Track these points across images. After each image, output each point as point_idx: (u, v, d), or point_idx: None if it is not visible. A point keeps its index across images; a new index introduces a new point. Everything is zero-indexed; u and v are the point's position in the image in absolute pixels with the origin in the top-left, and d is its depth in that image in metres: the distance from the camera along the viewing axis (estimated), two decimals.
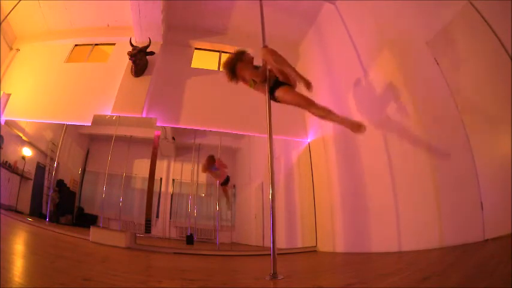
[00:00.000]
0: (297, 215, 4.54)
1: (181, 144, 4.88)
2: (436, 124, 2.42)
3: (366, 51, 3.45)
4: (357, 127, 2.07)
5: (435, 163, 2.37)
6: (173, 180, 4.67)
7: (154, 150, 4.39)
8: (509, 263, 1.35)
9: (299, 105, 2.29)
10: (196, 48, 5.36)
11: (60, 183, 4.20)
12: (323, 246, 3.98)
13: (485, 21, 1.98)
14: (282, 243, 4.17)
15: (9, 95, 4.59)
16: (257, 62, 2.51)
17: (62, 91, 4.65)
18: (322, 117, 2.23)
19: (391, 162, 2.87)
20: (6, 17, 4.32)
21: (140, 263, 2.47)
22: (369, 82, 3.32)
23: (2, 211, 3.63)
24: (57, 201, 4.10)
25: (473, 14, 2.05)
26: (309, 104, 2.22)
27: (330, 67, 4.31)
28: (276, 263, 1.70)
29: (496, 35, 1.90)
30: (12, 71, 4.86)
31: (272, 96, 2.30)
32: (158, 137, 4.51)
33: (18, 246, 2.15)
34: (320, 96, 4.54)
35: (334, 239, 3.74)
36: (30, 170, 4.19)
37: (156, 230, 4.33)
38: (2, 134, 4.19)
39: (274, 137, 2.13)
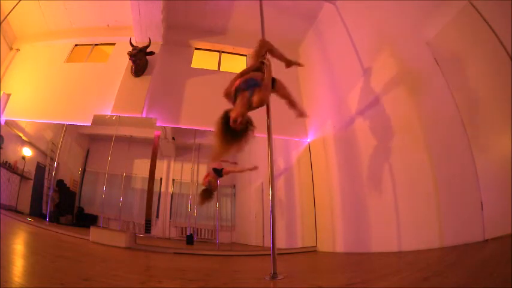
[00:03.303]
0: (297, 215, 4.54)
1: (181, 144, 4.88)
2: (436, 124, 2.42)
3: (366, 51, 3.45)
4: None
5: (435, 163, 2.37)
6: (173, 180, 4.67)
7: (154, 150, 4.39)
8: (509, 263, 1.35)
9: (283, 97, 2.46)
10: (196, 48, 5.37)
11: (60, 183, 4.20)
12: (323, 246, 3.98)
13: (485, 21, 1.97)
14: (282, 243, 4.17)
15: (9, 95, 4.60)
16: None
17: (62, 91, 4.65)
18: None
19: (391, 162, 2.87)
20: (6, 17, 4.32)
21: (140, 263, 2.47)
22: (368, 82, 3.32)
23: (2, 211, 3.63)
24: (57, 201, 4.10)
25: (473, 14, 2.05)
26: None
27: (330, 67, 4.31)
28: (276, 263, 1.70)
29: (496, 35, 1.90)
30: (12, 71, 4.86)
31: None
32: (158, 137, 4.52)
33: (18, 246, 2.15)
34: (320, 95, 4.55)
35: (334, 239, 3.74)
36: (30, 170, 4.19)
37: (156, 230, 4.33)
38: (2, 134, 4.19)
39: (274, 137, 2.13)
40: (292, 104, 2.49)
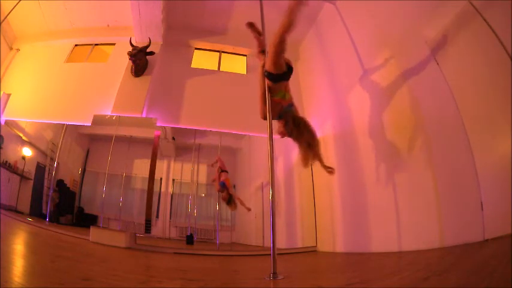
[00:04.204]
0: (297, 215, 4.54)
1: (181, 144, 4.88)
2: (436, 124, 2.42)
3: (366, 51, 3.45)
4: None
5: (435, 163, 2.37)
6: (173, 180, 4.67)
7: (154, 150, 4.39)
8: (509, 263, 1.35)
9: (281, 46, 2.04)
10: (196, 48, 5.37)
11: (60, 183, 4.20)
12: (323, 246, 3.98)
13: (485, 21, 1.98)
14: (282, 243, 4.17)
15: (9, 95, 4.60)
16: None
17: (62, 91, 4.65)
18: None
19: (390, 162, 2.86)
20: (6, 17, 4.32)
21: (140, 263, 2.47)
22: (368, 82, 3.32)
23: (2, 211, 3.63)
24: (57, 201, 4.10)
25: (473, 14, 2.05)
26: (282, 31, 2.00)
27: (330, 67, 4.31)
28: (276, 263, 1.70)
29: (496, 35, 1.90)
30: (12, 71, 4.86)
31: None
32: (158, 137, 4.52)
33: (18, 246, 2.15)
34: (320, 95, 4.55)
35: (334, 239, 3.74)
36: (30, 170, 4.18)
37: (156, 230, 4.33)
38: (2, 134, 4.19)
39: (274, 136, 2.13)
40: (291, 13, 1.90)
